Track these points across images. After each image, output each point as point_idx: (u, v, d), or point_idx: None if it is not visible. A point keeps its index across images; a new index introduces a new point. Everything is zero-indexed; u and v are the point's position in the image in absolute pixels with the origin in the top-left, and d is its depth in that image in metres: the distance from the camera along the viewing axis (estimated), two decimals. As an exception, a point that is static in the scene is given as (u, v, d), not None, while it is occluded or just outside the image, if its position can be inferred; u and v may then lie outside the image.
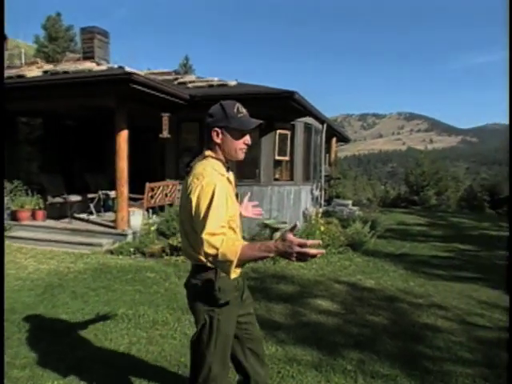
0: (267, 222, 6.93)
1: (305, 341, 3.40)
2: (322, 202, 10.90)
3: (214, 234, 1.53)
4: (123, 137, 7.02)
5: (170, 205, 8.35)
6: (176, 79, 10.60)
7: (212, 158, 1.80)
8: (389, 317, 4.04)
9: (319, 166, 10.72)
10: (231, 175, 1.89)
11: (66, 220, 8.17)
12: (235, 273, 1.55)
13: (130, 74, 5.89)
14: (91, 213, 8.63)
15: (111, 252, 6.59)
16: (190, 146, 9.09)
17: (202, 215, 1.59)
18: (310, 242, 1.41)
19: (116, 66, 8.66)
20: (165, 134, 7.03)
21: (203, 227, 1.55)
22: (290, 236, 1.42)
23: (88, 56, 10.48)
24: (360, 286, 5.08)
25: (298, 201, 8.92)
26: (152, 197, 7.82)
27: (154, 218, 7.72)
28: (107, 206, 9.12)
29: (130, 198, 7.85)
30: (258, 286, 4.91)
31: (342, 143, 18.67)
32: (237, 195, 1.90)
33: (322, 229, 7.17)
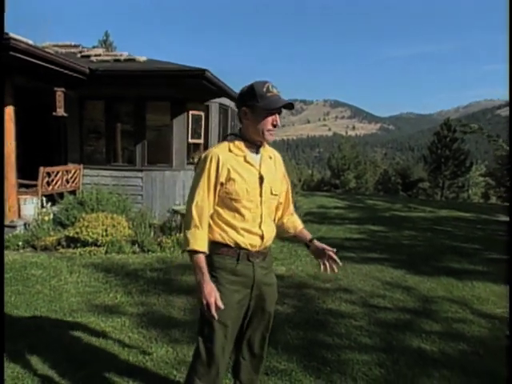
0: (177, 208, 6.48)
1: (200, 339, 3.10)
2: (242, 187, 10.65)
3: (196, 205, 1.70)
4: (8, 114, 6.07)
5: (73, 192, 7.55)
6: (81, 52, 9.58)
7: (236, 136, 1.77)
8: (294, 305, 3.89)
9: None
10: (257, 157, 1.78)
11: None
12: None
13: (9, 39, 5.01)
14: (-23, 202, 7.51)
15: (-5, 247, 5.73)
16: (96, 127, 8.28)
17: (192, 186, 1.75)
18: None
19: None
20: (59, 111, 6.20)
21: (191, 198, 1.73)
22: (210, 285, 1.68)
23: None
24: (270, 272, 4.91)
25: (215, 186, 8.57)
26: (49, 183, 6.97)
27: (52, 207, 6.89)
28: (-2, 194, 8.01)
29: (22, 185, 6.93)
30: (161, 278, 4.54)
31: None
32: (261, 178, 1.76)
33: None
